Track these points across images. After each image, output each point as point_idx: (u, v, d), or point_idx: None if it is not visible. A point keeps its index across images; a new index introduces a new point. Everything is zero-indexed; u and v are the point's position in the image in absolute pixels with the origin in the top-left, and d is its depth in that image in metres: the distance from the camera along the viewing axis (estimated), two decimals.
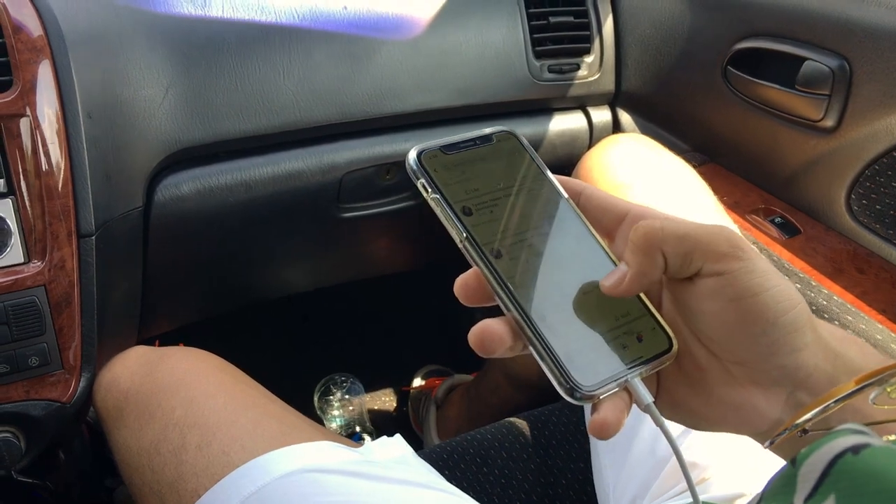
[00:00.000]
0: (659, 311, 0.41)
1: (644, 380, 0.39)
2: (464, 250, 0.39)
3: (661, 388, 0.41)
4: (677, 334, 0.40)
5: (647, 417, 0.40)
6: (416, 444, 1.21)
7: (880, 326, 0.82)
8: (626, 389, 0.38)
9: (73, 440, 1.08)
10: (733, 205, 1.02)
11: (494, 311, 0.39)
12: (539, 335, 0.37)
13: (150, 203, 0.90)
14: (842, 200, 0.92)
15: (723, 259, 0.37)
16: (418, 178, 0.40)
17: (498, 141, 0.43)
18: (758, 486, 0.37)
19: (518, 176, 0.42)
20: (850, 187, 0.90)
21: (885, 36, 0.83)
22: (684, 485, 0.64)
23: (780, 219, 0.98)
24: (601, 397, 0.37)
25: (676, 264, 0.38)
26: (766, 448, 0.38)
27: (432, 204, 0.39)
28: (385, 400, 1.55)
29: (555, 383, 0.37)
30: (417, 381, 1.50)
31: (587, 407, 0.38)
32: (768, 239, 0.96)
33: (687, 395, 0.40)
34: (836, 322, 0.84)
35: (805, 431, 0.36)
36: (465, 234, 0.39)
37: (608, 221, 0.42)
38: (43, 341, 0.76)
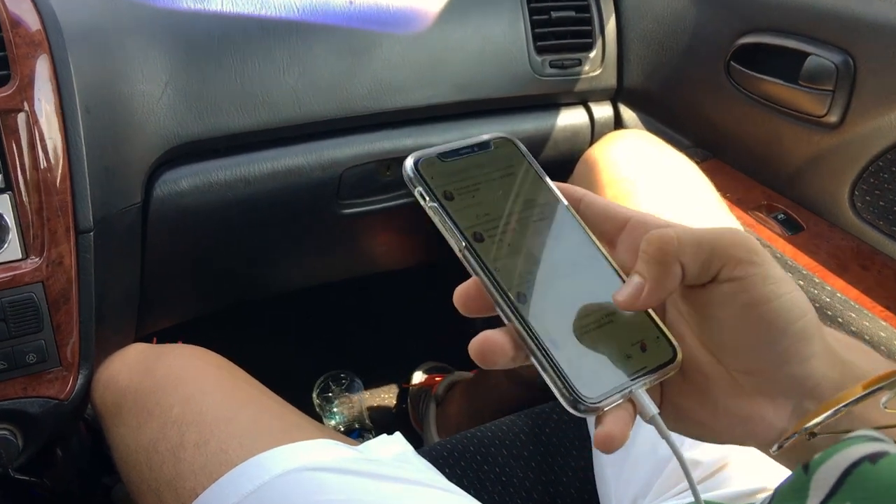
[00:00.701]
0: (662, 319, 0.40)
1: (648, 390, 0.38)
2: (463, 259, 0.38)
3: (665, 398, 0.40)
4: (682, 343, 0.40)
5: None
6: (416, 441, 1.20)
7: (884, 323, 0.81)
8: (630, 400, 0.37)
9: (70, 438, 1.08)
10: (736, 201, 1.01)
11: (495, 322, 0.38)
12: (542, 346, 0.36)
13: (149, 198, 0.89)
14: (845, 197, 0.91)
15: (741, 264, 0.37)
16: (416, 187, 0.39)
17: (496, 147, 0.42)
18: (778, 480, 0.36)
19: (517, 183, 0.41)
20: (853, 184, 0.90)
21: (889, 31, 0.82)
22: (687, 483, 0.64)
23: (783, 215, 0.98)
24: (605, 409, 0.36)
25: (695, 272, 0.37)
26: (773, 453, 0.37)
27: (430, 212, 0.39)
28: (385, 397, 1.54)
29: (558, 395, 0.36)
30: (417, 378, 1.50)
31: (591, 418, 0.38)
32: (771, 235, 0.96)
33: (692, 406, 0.40)
34: (840, 319, 0.84)
35: (813, 435, 0.36)
36: (464, 244, 0.38)
37: (609, 228, 0.42)
38: (41, 338, 0.76)
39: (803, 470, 0.31)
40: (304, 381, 1.51)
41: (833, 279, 0.88)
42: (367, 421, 1.47)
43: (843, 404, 0.35)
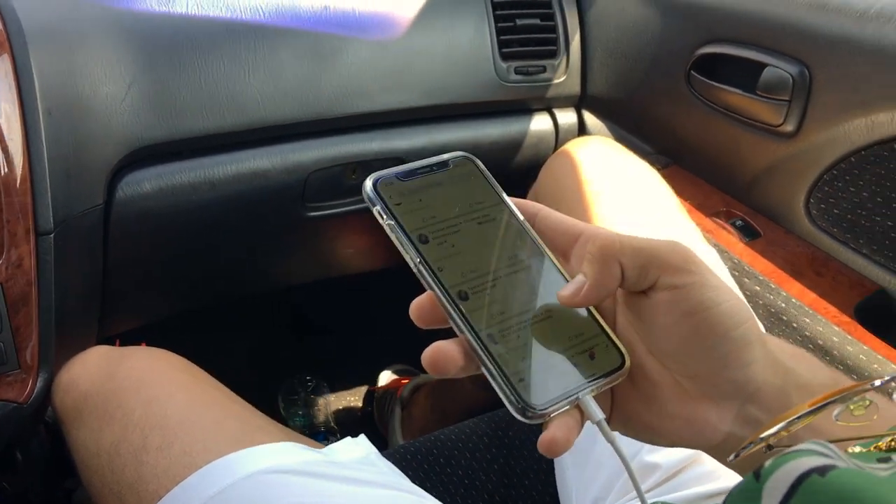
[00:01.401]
0: (613, 327, 0.42)
1: (598, 395, 0.39)
2: (418, 275, 0.39)
3: (615, 403, 0.42)
4: (631, 349, 0.41)
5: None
6: (381, 444, 1.21)
7: (837, 328, 0.83)
8: (579, 408, 0.39)
9: (30, 441, 1.07)
10: (696, 207, 1.03)
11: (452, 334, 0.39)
12: (490, 355, 0.38)
13: (111, 200, 0.89)
14: (801, 204, 0.93)
15: (677, 273, 0.38)
16: (374, 205, 0.40)
17: (454, 166, 0.43)
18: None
19: (474, 201, 0.42)
20: (808, 191, 0.92)
21: (844, 43, 0.84)
22: (649, 483, 0.65)
23: (741, 221, 1.00)
24: (552, 415, 0.37)
25: (633, 276, 0.39)
26: (729, 461, 0.39)
27: (388, 230, 0.40)
28: (350, 399, 1.54)
29: (506, 403, 0.37)
30: (383, 380, 1.50)
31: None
32: (729, 241, 0.98)
33: (640, 410, 0.41)
34: (794, 324, 0.86)
35: (770, 447, 0.37)
36: (418, 259, 0.39)
37: (563, 242, 0.43)
38: None
39: (755, 477, 0.33)
40: (270, 383, 1.50)
41: (789, 285, 0.90)
42: (332, 423, 1.46)
43: (795, 416, 0.37)
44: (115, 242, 0.91)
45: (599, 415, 0.38)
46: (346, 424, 1.48)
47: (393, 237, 0.40)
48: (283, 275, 1.26)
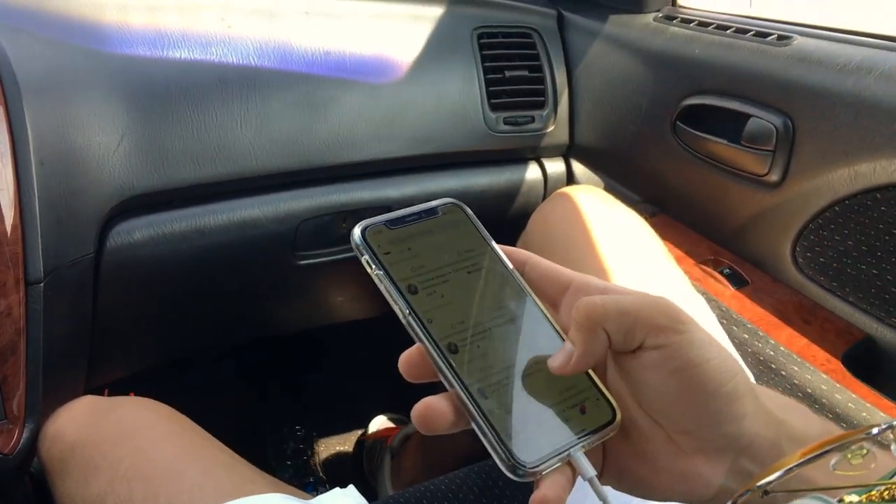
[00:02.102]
0: (604, 380, 0.41)
1: (590, 451, 0.39)
2: (407, 326, 0.39)
3: (607, 459, 0.41)
4: (622, 404, 0.41)
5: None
6: (371, 494, 1.19)
7: (825, 377, 0.84)
8: (570, 463, 0.38)
9: (15, 493, 1.05)
10: (683, 255, 1.04)
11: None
12: (481, 411, 0.37)
13: (102, 249, 0.89)
14: (787, 253, 0.94)
15: (663, 332, 0.38)
16: (362, 255, 0.40)
17: (443, 214, 0.43)
18: None
19: (463, 249, 0.42)
20: (795, 240, 0.93)
21: (826, 96, 0.86)
22: None
23: (728, 269, 1.01)
24: (543, 473, 0.37)
25: (619, 340, 0.39)
26: None
27: (376, 280, 0.40)
28: (339, 449, 1.53)
29: (497, 461, 0.37)
30: (375, 426, 1.49)
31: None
32: (717, 289, 0.98)
33: (633, 465, 0.41)
34: (783, 371, 0.86)
35: (767, 493, 0.37)
36: (407, 311, 0.39)
37: (553, 291, 0.43)
38: None
39: None
40: (259, 433, 1.49)
41: (777, 332, 0.90)
42: (321, 474, 1.45)
43: (793, 464, 0.37)
44: (105, 291, 0.91)
45: (591, 472, 0.38)
46: (335, 474, 1.46)
47: (381, 287, 0.39)
48: (273, 323, 1.25)
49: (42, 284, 0.77)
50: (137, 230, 0.91)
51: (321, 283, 1.17)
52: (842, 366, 0.85)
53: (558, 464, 0.38)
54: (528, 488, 0.37)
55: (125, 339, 1.05)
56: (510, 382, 0.39)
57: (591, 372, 0.41)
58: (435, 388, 0.39)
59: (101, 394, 0.88)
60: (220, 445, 0.77)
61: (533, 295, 0.42)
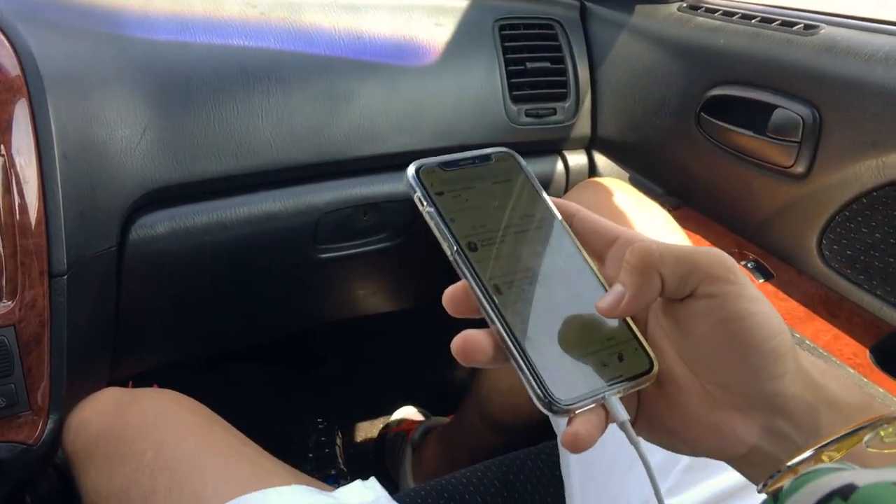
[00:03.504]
0: (643, 330, 0.42)
1: (624, 399, 0.39)
2: (454, 263, 0.40)
3: (641, 408, 0.41)
4: (660, 354, 0.41)
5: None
6: (391, 487, 1.20)
7: (852, 371, 0.83)
8: (604, 407, 0.38)
9: (40, 484, 1.06)
10: None
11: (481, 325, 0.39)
12: (520, 348, 0.38)
13: (125, 242, 0.89)
14: (813, 245, 0.93)
15: (717, 281, 0.38)
16: (415, 192, 0.41)
17: (496, 161, 0.44)
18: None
19: (514, 196, 0.43)
20: (821, 232, 0.92)
21: (853, 85, 0.85)
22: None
23: (753, 263, 0.99)
24: (577, 412, 0.37)
25: (673, 285, 0.39)
26: (759, 492, 0.38)
27: (426, 217, 0.40)
28: (361, 442, 1.53)
29: (532, 396, 0.38)
30: (394, 422, 1.49)
31: (562, 421, 0.39)
32: None
33: (665, 416, 0.41)
34: None
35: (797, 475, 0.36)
36: (455, 248, 0.39)
37: (599, 244, 0.43)
38: (11, 382, 0.75)
39: (773, 499, 0.32)
40: (280, 425, 1.49)
41: (802, 326, 0.89)
42: (342, 466, 1.45)
43: (825, 442, 0.36)
44: (127, 284, 0.92)
45: (624, 416, 0.38)
46: (356, 467, 1.47)
47: (432, 224, 0.40)
48: (295, 317, 1.26)
49: (66, 277, 0.78)
50: (160, 223, 0.92)
51: (342, 276, 1.17)
52: (869, 359, 0.84)
53: (592, 405, 0.38)
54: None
55: (148, 332, 1.06)
56: (551, 325, 0.39)
57: (630, 322, 0.41)
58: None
59: (124, 386, 0.88)
60: (243, 437, 0.78)
61: (580, 246, 0.43)
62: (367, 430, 1.55)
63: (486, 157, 0.43)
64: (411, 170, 0.41)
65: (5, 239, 0.74)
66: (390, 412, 1.52)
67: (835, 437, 0.36)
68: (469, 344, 0.38)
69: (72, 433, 0.79)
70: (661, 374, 0.40)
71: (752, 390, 0.39)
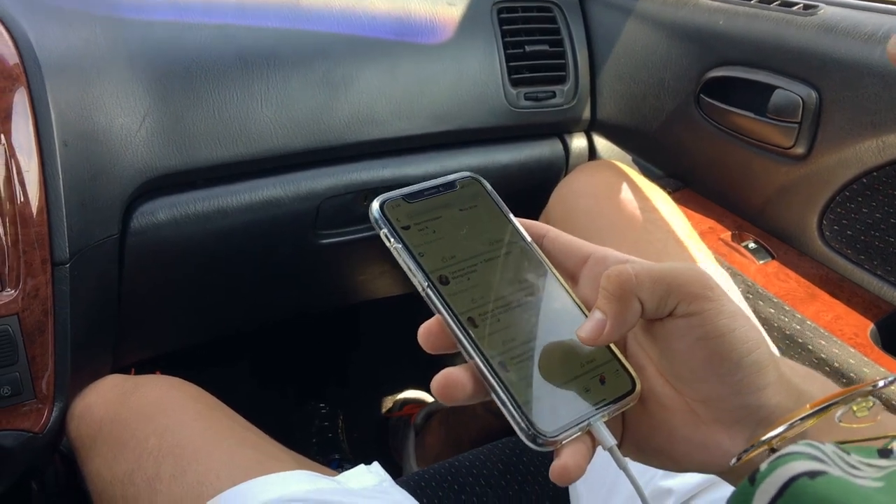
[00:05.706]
0: (623, 350, 0.41)
1: (610, 421, 0.39)
2: (426, 298, 0.39)
3: (626, 428, 0.41)
4: (642, 374, 0.41)
5: None
6: (395, 471, 1.20)
7: (853, 350, 0.83)
8: (590, 434, 0.38)
9: (45, 471, 1.07)
10: (707, 230, 1.03)
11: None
12: (500, 381, 0.37)
13: (126, 230, 0.90)
14: (814, 226, 0.93)
15: (696, 300, 0.38)
16: (381, 228, 0.40)
17: (461, 187, 0.43)
18: None
19: (481, 222, 0.42)
20: (821, 213, 0.92)
21: (853, 66, 0.84)
22: None
23: (753, 244, 0.99)
24: (563, 442, 0.37)
25: (652, 307, 0.38)
26: (732, 465, 0.39)
27: (395, 254, 0.40)
28: (364, 426, 1.54)
29: (517, 430, 0.37)
30: (397, 407, 1.50)
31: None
32: (743, 263, 0.97)
33: (652, 435, 0.41)
34: (810, 346, 0.85)
35: (773, 451, 0.37)
36: (426, 283, 0.39)
37: (571, 264, 0.43)
38: (15, 371, 0.75)
39: (749, 481, 0.33)
40: (284, 411, 1.50)
41: (803, 307, 0.89)
42: (346, 450, 1.46)
43: (798, 418, 0.37)
44: (129, 272, 0.92)
45: (611, 441, 0.38)
46: (360, 451, 1.47)
47: (400, 261, 0.39)
48: (296, 302, 1.26)
49: (68, 265, 0.78)
50: (161, 211, 0.92)
51: (343, 261, 1.17)
52: (870, 339, 0.84)
53: (578, 433, 0.38)
54: (550, 464, 0.37)
55: (151, 319, 1.06)
56: (529, 354, 0.39)
57: (610, 343, 0.41)
58: (456, 360, 0.39)
59: (127, 373, 0.89)
60: (246, 423, 0.78)
61: (552, 267, 0.42)
62: (371, 414, 1.55)
63: (451, 185, 0.43)
64: (375, 205, 0.40)
65: (7, 228, 0.75)
66: (394, 396, 1.52)
67: (806, 413, 0.37)
68: (449, 381, 0.37)
69: (76, 420, 0.80)
70: (644, 394, 0.40)
71: (736, 404, 0.39)
